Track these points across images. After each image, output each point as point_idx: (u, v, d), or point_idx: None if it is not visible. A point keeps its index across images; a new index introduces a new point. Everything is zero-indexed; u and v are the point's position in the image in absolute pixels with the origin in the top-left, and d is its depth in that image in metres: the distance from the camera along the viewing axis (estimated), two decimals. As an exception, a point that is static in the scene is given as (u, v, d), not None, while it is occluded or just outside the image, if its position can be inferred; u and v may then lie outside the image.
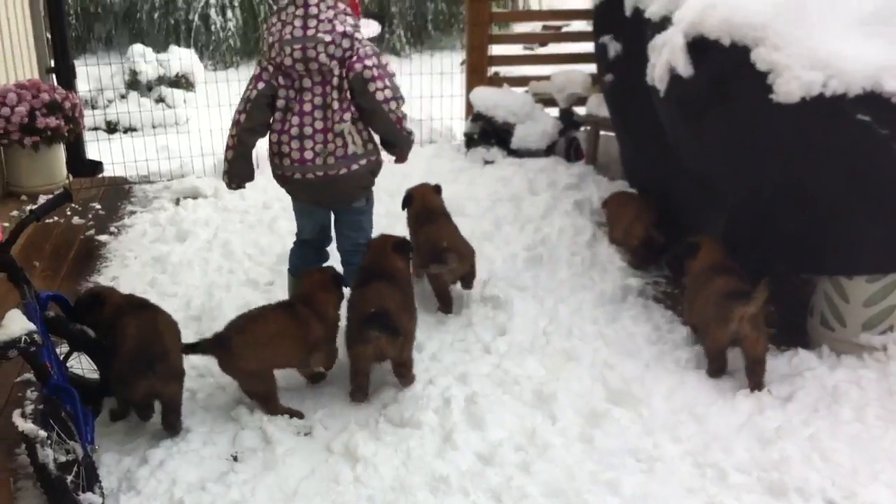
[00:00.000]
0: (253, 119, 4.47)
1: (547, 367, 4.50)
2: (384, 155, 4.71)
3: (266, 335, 4.16)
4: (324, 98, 4.38)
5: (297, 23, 4.33)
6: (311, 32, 4.31)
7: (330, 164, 4.43)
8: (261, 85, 4.44)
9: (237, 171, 4.61)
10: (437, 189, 5.57)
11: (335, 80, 4.35)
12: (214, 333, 4.26)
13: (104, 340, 4.13)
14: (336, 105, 4.36)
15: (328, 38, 4.29)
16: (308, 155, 4.42)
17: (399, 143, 4.60)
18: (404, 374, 4.33)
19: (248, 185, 4.74)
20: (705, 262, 4.63)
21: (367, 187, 4.67)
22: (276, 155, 4.52)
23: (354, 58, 4.33)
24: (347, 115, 4.38)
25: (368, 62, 4.34)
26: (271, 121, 4.50)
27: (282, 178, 4.59)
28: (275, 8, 4.57)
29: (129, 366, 3.89)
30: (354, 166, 4.48)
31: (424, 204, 5.43)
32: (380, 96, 4.35)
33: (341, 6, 4.41)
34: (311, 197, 4.66)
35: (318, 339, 4.29)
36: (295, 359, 4.33)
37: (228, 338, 4.15)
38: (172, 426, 4.02)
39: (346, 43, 4.32)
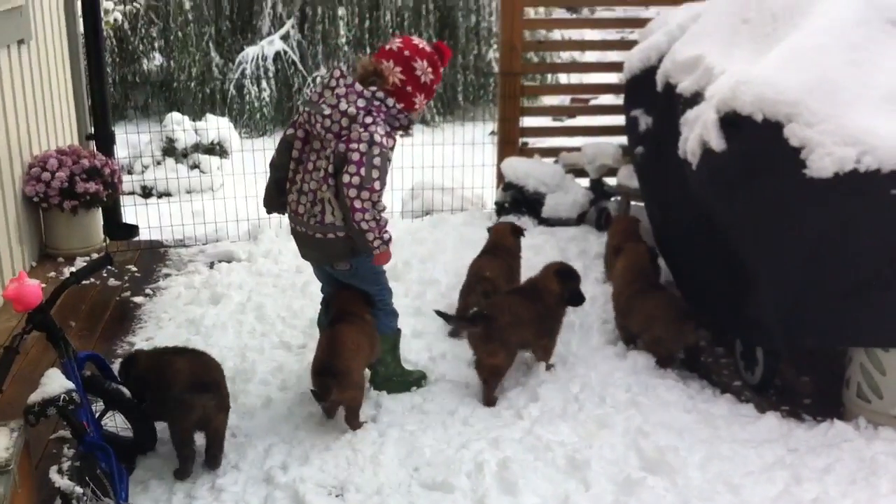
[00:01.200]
0: (278, 156, 4.78)
1: (580, 434, 4.48)
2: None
3: (525, 316, 4.90)
4: (316, 162, 4.52)
5: (318, 89, 4.50)
6: (320, 101, 4.44)
7: (311, 225, 4.57)
8: (289, 129, 4.69)
9: (266, 200, 4.91)
10: (515, 230, 6.12)
11: (328, 151, 4.43)
12: (473, 311, 5.21)
13: (147, 393, 4.21)
14: (323, 173, 4.46)
15: (327, 111, 4.38)
16: (300, 209, 4.61)
17: (353, 234, 4.46)
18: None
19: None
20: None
21: (346, 258, 4.66)
22: (286, 203, 4.77)
23: (346, 138, 4.36)
24: (327, 187, 4.44)
25: (353, 145, 4.32)
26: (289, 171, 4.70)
27: (290, 227, 4.83)
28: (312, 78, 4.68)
29: (189, 387, 4.08)
30: (330, 235, 4.55)
31: (495, 240, 6.04)
32: (346, 178, 4.32)
33: (359, 87, 4.41)
34: (300, 249, 4.84)
35: (550, 329, 5.08)
36: (536, 343, 5.04)
37: (493, 317, 4.85)
38: (215, 458, 4.19)
39: (344, 122, 4.36)
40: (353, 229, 4.42)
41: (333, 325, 4.59)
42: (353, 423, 4.54)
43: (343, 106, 4.38)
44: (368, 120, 4.38)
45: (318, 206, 4.53)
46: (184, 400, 4.07)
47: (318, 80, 4.54)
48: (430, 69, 4.53)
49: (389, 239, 4.50)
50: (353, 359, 4.50)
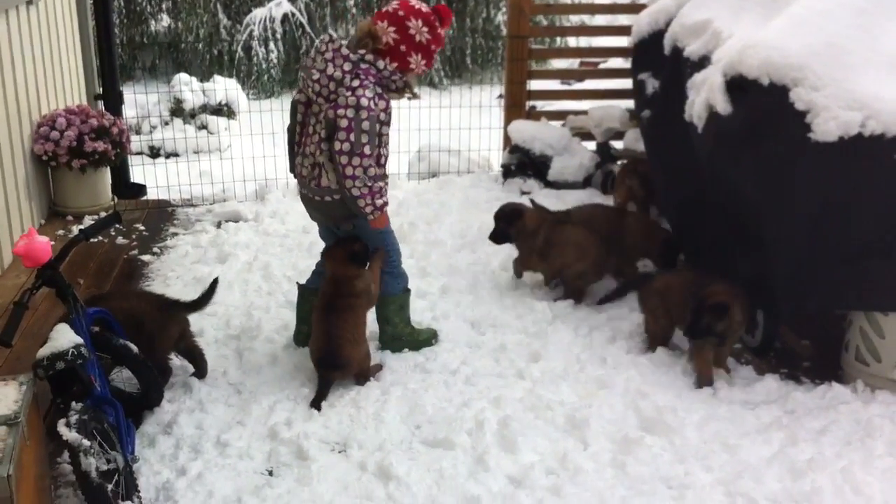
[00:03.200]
0: (290, 120, 4.75)
1: (580, 394, 4.54)
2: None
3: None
4: (313, 127, 4.53)
5: (312, 53, 4.49)
6: (309, 64, 4.45)
7: (312, 188, 4.60)
8: (295, 95, 4.69)
9: (290, 160, 4.87)
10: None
11: (321, 115, 4.46)
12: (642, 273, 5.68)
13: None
14: (318, 137, 4.49)
15: (315, 75, 4.40)
16: (304, 172, 4.63)
17: (345, 198, 4.49)
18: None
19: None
20: None
21: (349, 218, 4.68)
22: (292, 159, 4.82)
23: (334, 103, 4.37)
24: (321, 151, 4.48)
25: (340, 111, 4.32)
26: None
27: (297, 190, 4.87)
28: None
29: None
30: (328, 198, 4.57)
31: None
32: (336, 146, 4.34)
33: (345, 50, 4.39)
34: (308, 210, 4.87)
35: None
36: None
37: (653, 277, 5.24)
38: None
39: (332, 86, 4.37)
40: (346, 195, 4.45)
41: (328, 316, 4.58)
42: (363, 381, 4.65)
43: (330, 70, 4.37)
44: (355, 83, 4.35)
45: (316, 170, 4.55)
46: None
47: (314, 45, 4.58)
48: (425, 28, 4.49)
49: (383, 205, 4.51)
50: (351, 350, 4.57)
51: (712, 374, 4.63)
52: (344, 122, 4.31)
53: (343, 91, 4.35)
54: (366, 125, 4.32)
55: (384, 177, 4.59)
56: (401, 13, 4.47)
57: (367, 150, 4.34)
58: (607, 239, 5.73)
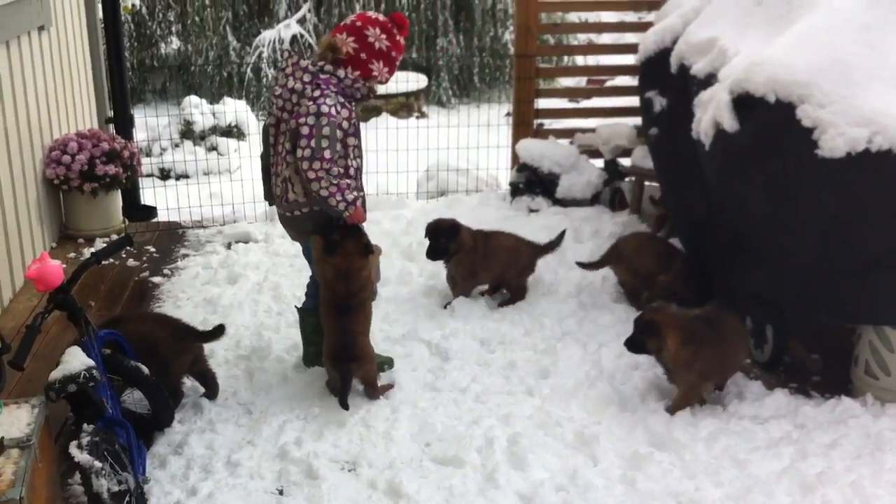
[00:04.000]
0: (263, 147, 4.85)
1: (589, 411, 4.56)
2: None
3: None
4: (284, 144, 4.59)
5: (276, 73, 4.61)
6: (273, 83, 4.52)
7: (282, 205, 4.70)
8: (267, 120, 4.76)
9: (265, 189, 4.97)
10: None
11: (284, 129, 4.56)
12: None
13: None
14: (283, 153, 4.58)
15: (277, 90, 4.55)
16: (278, 191, 4.72)
17: (317, 204, 4.56)
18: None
19: None
20: None
21: (309, 234, 4.74)
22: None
23: (296, 113, 4.47)
24: (285, 164, 4.57)
25: (302, 120, 4.40)
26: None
27: None
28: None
29: None
30: (296, 212, 4.67)
31: None
32: (298, 153, 4.41)
33: (304, 63, 4.51)
34: (287, 231, 4.97)
35: None
36: None
37: None
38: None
39: (294, 98, 4.49)
40: (316, 200, 4.51)
41: (342, 316, 4.63)
42: (374, 393, 4.69)
43: (290, 83, 4.50)
44: (316, 93, 4.45)
45: (282, 185, 4.64)
46: None
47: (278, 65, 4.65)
48: (383, 35, 4.58)
49: (354, 199, 4.54)
50: (364, 342, 4.66)
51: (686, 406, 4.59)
52: (305, 130, 4.39)
53: (305, 101, 4.45)
54: (326, 130, 4.40)
55: (358, 188, 4.67)
56: (358, 23, 4.59)
57: (326, 154, 4.40)
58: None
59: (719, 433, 4.32)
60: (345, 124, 4.50)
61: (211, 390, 4.77)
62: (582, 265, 6.03)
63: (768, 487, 3.88)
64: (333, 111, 4.43)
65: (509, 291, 5.98)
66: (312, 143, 4.38)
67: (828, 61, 4.39)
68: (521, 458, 4.09)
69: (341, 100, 4.52)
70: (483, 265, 5.86)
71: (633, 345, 4.66)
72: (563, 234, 6.20)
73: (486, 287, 6.09)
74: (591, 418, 4.48)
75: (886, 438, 4.18)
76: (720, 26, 5.46)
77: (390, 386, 4.80)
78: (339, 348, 4.61)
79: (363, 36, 4.56)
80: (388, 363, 5.07)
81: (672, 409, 4.53)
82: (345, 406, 4.54)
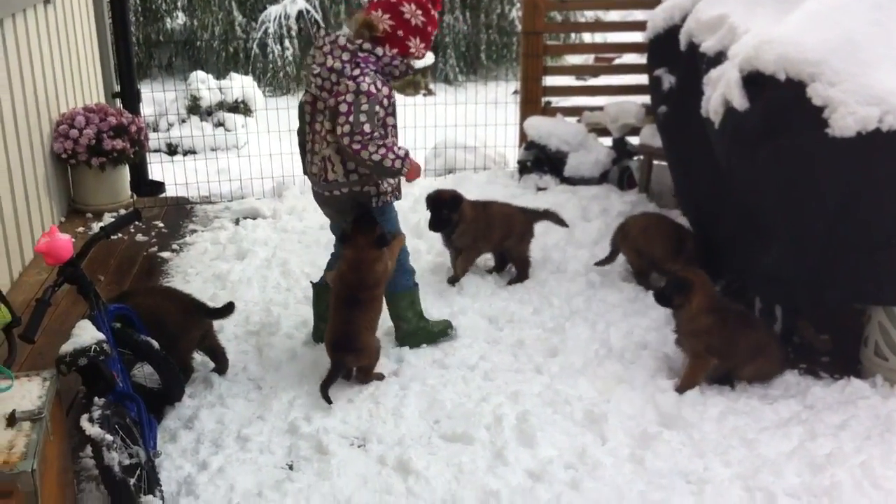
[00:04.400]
0: (299, 122, 4.85)
1: (598, 389, 4.56)
2: None
3: None
4: (322, 122, 4.61)
5: (313, 51, 4.58)
6: (310, 62, 4.56)
7: (321, 185, 4.71)
8: (302, 97, 4.78)
9: (302, 163, 4.98)
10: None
11: (325, 109, 4.55)
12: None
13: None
14: (324, 131, 4.58)
15: (316, 70, 4.51)
16: (314, 169, 4.74)
17: (372, 171, 4.57)
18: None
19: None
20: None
21: (351, 213, 4.74)
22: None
23: (335, 92, 4.46)
24: (326, 144, 4.59)
25: (341, 98, 4.41)
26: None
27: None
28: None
29: None
30: (336, 192, 4.68)
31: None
32: (338, 130, 4.42)
33: (342, 41, 4.49)
34: (321, 208, 4.99)
35: None
36: None
37: None
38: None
39: (333, 77, 4.47)
40: (370, 168, 4.50)
41: (351, 309, 4.58)
42: (365, 381, 4.65)
43: (329, 62, 4.47)
44: (356, 72, 4.44)
45: (321, 164, 4.65)
46: None
47: (314, 43, 4.68)
48: (419, 12, 4.56)
49: (406, 153, 4.54)
50: (368, 337, 4.63)
51: (698, 384, 4.60)
52: (344, 108, 4.39)
53: (344, 80, 4.43)
54: (365, 107, 4.39)
55: None
56: (393, 0, 4.54)
57: (366, 128, 4.39)
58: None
59: (728, 412, 4.33)
60: (385, 102, 4.50)
61: (221, 365, 4.78)
62: (599, 264, 5.99)
63: (777, 467, 3.88)
64: (373, 89, 4.41)
65: (513, 263, 6.01)
66: (351, 118, 4.38)
67: (838, 40, 4.35)
68: (530, 435, 4.10)
69: (381, 77, 4.51)
70: (484, 234, 5.88)
71: (661, 297, 4.75)
72: (561, 220, 6.24)
73: (492, 264, 6.11)
74: (600, 397, 4.48)
75: (895, 419, 4.18)
76: (730, 4, 5.42)
77: (381, 376, 4.73)
78: (339, 337, 4.56)
79: (399, 13, 4.54)
80: (448, 326, 5.14)
81: (680, 389, 4.53)
82: (326, 398, 4.43)
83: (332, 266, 5.06)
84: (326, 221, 6.42)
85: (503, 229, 5.93)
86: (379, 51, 4.53)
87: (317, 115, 4.63)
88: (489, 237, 5.91)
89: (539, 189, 7.68)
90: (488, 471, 3.91)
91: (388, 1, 4.55)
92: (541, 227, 6.60)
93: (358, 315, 4.59)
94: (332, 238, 6.36)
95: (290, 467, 4.00)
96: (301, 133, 4.87)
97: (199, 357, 4.85)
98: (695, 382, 4.56)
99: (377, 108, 4.44)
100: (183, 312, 4.64)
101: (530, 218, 6.04)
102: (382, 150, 4.42)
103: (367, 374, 4.67)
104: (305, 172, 4.92)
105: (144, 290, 5.15)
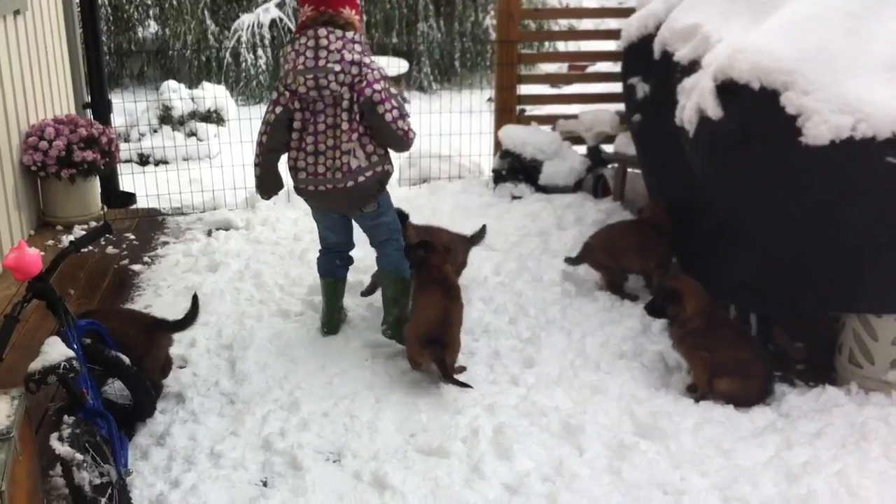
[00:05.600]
0: (274, 141, 4.87)
1: (574, 400, 4.54)
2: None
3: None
4: (334, 119, 4.72)
5: (309, 53, 4.68)
6: (321, 63, 4.65)
7: (338, 178, 4.77)
8: (278, 109, 4.80)
9: (266, 186, 5.09)
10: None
11: (345, 104, 4.69)
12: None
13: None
14: (345, 126, 4.70)
15: (338, 67, 4.64)
16: (321, 169, 4.79)
17: (401, 148, 4.89)
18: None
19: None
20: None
21: (375, 195, 4.93)
22: (293, 169, 4.89)
23: (364, 83, 4.67)
24: (355, 136, 4.73)
25: (377, 86, 4.69)
26: (290, 140, 4.85)
27: (299, 189, 4.97)
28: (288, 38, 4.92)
29: None
30: (361, 178, 4.80)
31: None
32: (388, 117, 4.71)
33: (349, 35, 4.71)
34: (325, 205, 5.03)
35: None
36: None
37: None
38: None
39: (354, 70, 4.65)
40: (405, 146, 4.87)
41: (441, 297, 4.78)
42: (454, 380, 4.63)
43: (348, 56, 4.66)
44: (368, 60, 4.74)
45: (342, 158, 4.73)
46: None
47: (293, 49, 4.69)
48: None
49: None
50: (458, 331, 4.78)
51: (707, 378, 4.60)
52: (381, 95, 4.69)
53: (364, 69, 4.68)
54: (393, 90, 4.81)
55: None
56: None
57: (404, 107, 4.82)
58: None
59: (704, 422, 4.32)
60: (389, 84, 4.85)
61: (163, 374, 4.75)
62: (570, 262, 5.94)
63: (754, 477, 3.88)
64: (385, 71, 4.81)
65: None
66: (393, 101, 4.73)
67: (812, 49, 4.38)
68: (507, 448, 4.07)
69: None
70: None
71: (654, 309, 4.77)
72: (484, 227, 6.07)
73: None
74: (577, 407, 4.46)
75: (871, 427, 4.18)
76: (704, 12, 5.43)
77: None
78: (433, 327, 4.64)
79: (357, 5, 4.86)
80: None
81: (698, 396, 4.56)
82: (460, 383, 4.60)
83: (325, 270, 5.24)
84: (301, 232, 6.43)
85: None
86: (362, 38, 4.81)
87: (317, 116, 4.73)
88: None
89: (514, 198, 7.68)
90: (465, 484, 3.87)
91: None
92: (515, 237, 6.62)
93: (452, 310, 4.78)
94: (307, 249, 6.35)
95: (265, 484, 3.94)
96: (281, 149, 4.90)
97: (171, 373, 4.80)
98: (705, 381, 4.57)
99: (393, 88, 4.83)
100: (143, 332, 4.56)
101: (467, 247, 5.91)
102: (413, 133, 4.87)
103: (453, 372, 4.68)
104: (301, 179, 4.87)
105: (104, 312, 5.07)
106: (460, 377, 4.67)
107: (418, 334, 4.66)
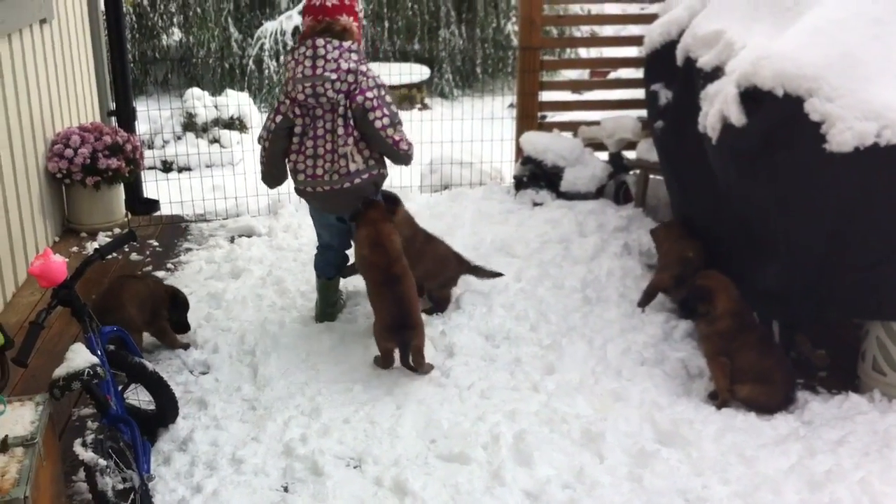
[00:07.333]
0: (275, 145, 5.21)
1: (595, 407, 4.53)
2: None
3: None
4: (332, 124, 5.00)
5: (308, 63, 4.94)
6: (319, 71, 4.91)
7: (335, 180, 5.06)
8: (279, 118, 5.11)
9: (271, 181, 5.49)
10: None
11: (341, 110, 4.96)
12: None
13: None
14: (341, 131, 4.97)
15: (334, 76, 4.90)
16: (319, 171, 5.07)
17: (397, 160, 5.19)
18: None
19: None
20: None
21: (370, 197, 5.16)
22: (293, 171, 5.20)
23: (357, 90, 4.92)
24: (350, 140, 4.98)
25: (369, 94, 4.94)
26: (291, 144, 5.14)
27: (299, 190, 5.29)
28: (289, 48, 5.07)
29: None
30: (357, 180, 5.08)
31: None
32: (378, 124, 4.96)
33: (346, 44, 4.94)
34: (323, 206, 5.32)
35: None
36: None
37: None
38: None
39: (350, 78, 4.92)
40: (398, 156, 5.12)
41: (393, 287, 4.87)
42: (425, 365, 4.85)
43: (344, 65, 4.91)
44: (364, 69, 4.98)
45: (339, 161, 5.00)
46: None
47: (293, 58, 4.82)
48: (356, 1, 5.13)
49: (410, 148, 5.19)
50: (419, 312, 4.95)
51: (727, 386, 4.58)
52: (375, 102, 4.94)
53: (361, 77, 4.93)
54: (388, 98, 5.02)
55: None
56: (347, 1, 5.06)
57: (394, 108, 5.04)
58: None
59: (726, 430, 4.30)
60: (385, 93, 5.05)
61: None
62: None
63: (776, 485, 3.86)
64: (382, 80, 5.03)
65: (429, 298, 5.71)
66: (385, 110, 4.97)
67: (836, 55, 4.35)
68: (528, 455, 4.07)
69: None
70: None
71: (685, 308, 4.86)
72: (495, 272, 5.87)
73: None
74: (598, 415, 4.45)
75: (894, 435, 4.15)
76: (727, 19, 5.41)
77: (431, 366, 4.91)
78: (395, 317, 4.79)
79: (356, 12, 5.09)
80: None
81: (719, 404, 4.55)
82: (409, 366, 4.79)
83: (320, 265, 5.50)
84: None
85: (430, 267, 5.61)
86: (358, 46, 5.04)
87: (315, 121, 5.01)
88: (412, 267, 5.36)
89: (535, 204, 7.66)
90: (486, 491, 3.88)
91: (344, 4, 5.04)
92: (536, 243, 6.61)
93: (403, 290, 4.87)
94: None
95: (286, 489, 3.96)
96: (282, 153, 5.19)
97: (192, 377, 4.86)
98: (726, 387, 4.56)
99: (388, 97, 5.02)
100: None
101: (461, 269, 5.77)
102: (409, 142, 5.13)
103: (422, 356, 4.85)
104: (301, 181, 5.17)
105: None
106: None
107: (383, 324, 4.83)
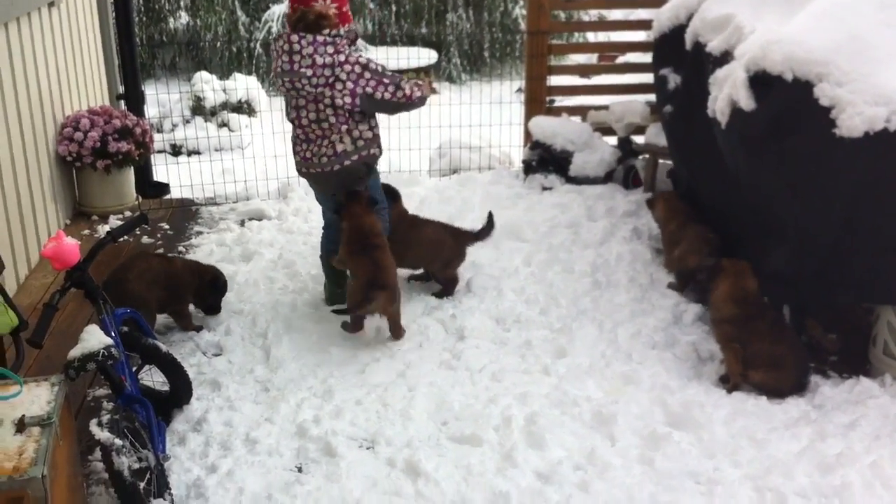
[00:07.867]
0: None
1: (606, 390, 4.56)
2: None
3: None
4: (317, 114, 5.09)
5: (285, 58, 4.99)
6: (295, 67, 4.97)
7: (324, 163, 5.18)
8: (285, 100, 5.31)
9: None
10: None
11: (327, 100, 5.03)
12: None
13: None
14: (333, 119, 5.09)
15: (309, 72, 4.96)
16: (308, 155, 5.23)
17: (417, 107, 5.26)
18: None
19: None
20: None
21: (363, 177, 5.28)
22: (294, 154, 5.37)
23: (350, 83, 4.98)
24: (344, 128, 5.09)
25: (362, 82, 5.00)
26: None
27: (298, 172, 5.46)
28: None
29: None
30: (347, 162, 5.17)
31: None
32: (387, 96, 5.04)
33: (319, 38, 4.93)
34: (316, 187, 5.49)
35: None
36: None
37: None
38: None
39: (327, 72, 4.96)
40: (412, 107, 5.20)
41: (370, 252, 5.01)
42: (399, 332, 5.07)
43: (319, 60, 4.93)
44: (342, 58, 4.96)
45: (327, 146, 5.12)
46: None
47: (274, 49, 4.85)
48: None
49: (410, 83, 5.16)
50: (395, 276, 5.07)
51: (739, 370, 4.60)
52: (372, 83, 4.99)
53: (336, 70, 4.95)
54: (372, 66, 5.01)
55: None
56: None
57: (389, 74, 5.06)
58: None
59: (737, 413, 4.32)
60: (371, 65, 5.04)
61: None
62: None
63: (787, 468, 3.88)
64: (362, 59, 5.00)
65: (437, 281, 5.80)
66: (385, 80, 5.01)
67: (846, 39, 4.35)
68: (539, 437, 4.10)
69: (349, 49, 5.07)
70: (397, 250, 5.35)
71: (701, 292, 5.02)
72: (491, 220, 5.91)
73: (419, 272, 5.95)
74: (608, 398, 4.48)
75: (905, 419, 4.18)
76: (736, 3, 5.41)
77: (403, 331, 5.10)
78: (370, 278, 4.93)
79: None
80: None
81: (730, 388, 4.57)
82: (340, 311, 5.11)
83: (326, 245, 5.56)
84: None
85: (422, 252, 5.72)
86: (341, 31, 5.01)
87: (300, 111, 5.13)
88: (402, 255, 5.48)
89: (544, 189, 7.66)
90: (497, 472, 3.91)
91: None
92: (545, 228, 6.61)
93: (380, 255, 5.01)
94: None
95: (299, 469, 4.00)
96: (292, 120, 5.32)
97: (204, 359, 4.89)
98: (738, 372, 4.57)
99: (377, 66, 5.02)
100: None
101: (464, 242, 5.79)
102: (416, 91, 5.11)
103: (397, 324, 5.04)
104: (297, 162, 5.36)
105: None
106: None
107: (359, 285, 4.96)
